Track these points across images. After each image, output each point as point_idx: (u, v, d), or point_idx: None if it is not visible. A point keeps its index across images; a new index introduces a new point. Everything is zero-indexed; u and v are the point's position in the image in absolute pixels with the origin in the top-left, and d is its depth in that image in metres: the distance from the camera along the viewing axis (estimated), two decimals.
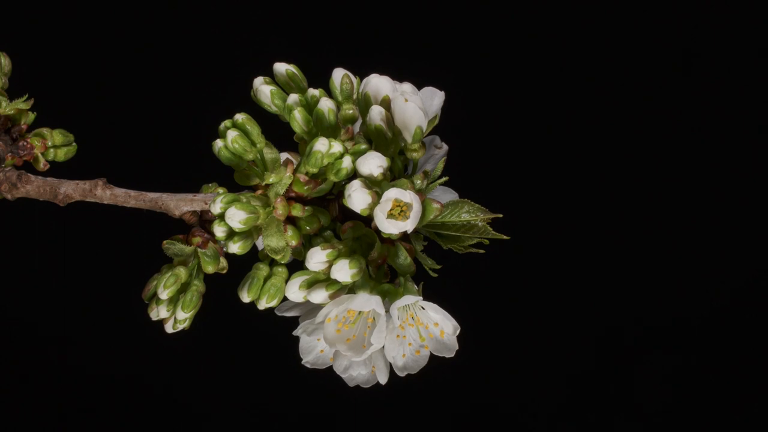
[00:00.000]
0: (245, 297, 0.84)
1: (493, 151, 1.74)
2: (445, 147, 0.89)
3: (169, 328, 0.84)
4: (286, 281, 0.84)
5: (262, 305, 0.84)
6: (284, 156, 0.88)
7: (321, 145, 0.82)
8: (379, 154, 0.83)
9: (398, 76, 0.86)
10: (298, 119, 0.85)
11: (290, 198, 0.85)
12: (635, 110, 1.80)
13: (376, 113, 0.83)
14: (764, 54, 1.80)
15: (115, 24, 1.74)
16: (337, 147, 0.83)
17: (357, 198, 0.81)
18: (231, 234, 0.83)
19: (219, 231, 0.83)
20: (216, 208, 0.82)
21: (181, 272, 0.83)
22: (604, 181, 1.79)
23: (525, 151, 1.79)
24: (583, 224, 1.78)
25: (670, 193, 1.79)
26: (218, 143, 0.83)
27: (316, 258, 0.82)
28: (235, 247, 0.83)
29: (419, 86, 0.85)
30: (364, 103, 0.86)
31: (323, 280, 0.83)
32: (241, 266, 0.85)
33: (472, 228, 0.83)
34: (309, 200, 0.86)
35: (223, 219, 0.82)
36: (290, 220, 0.84)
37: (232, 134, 0.83)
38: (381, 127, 0.84)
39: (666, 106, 1.81)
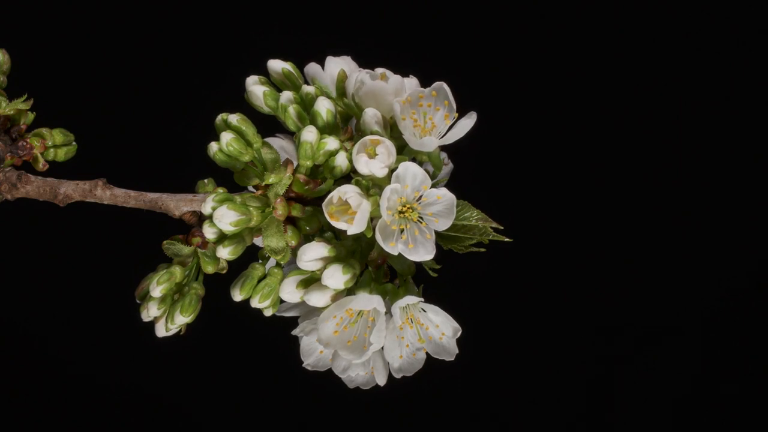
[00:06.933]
0: (237, 295, 0.82)
1: (492, 152, 1.74)
2: (450, 165, 0.88)
3: (161, 331, 0.82)
4: (281, 282, 0.81)
5: (254, 304, 0.81)
6: (276, 140, 0.87)
7: (308, 133, 0.80)
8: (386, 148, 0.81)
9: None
10: (292, 116, 0.83)
11: (290, 198, 0.83)
12: (635, 111, 1.80)
13: (371, 116, 0.82)
14: (764, 53, 1.80)
15: (115, 24, 1.74)
16: (332, 144, 0.81)
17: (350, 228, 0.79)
18: (222, 237, 0.80)
19: (209, 233, 0.80)
20: (207, 208, 0.79)
21: (176, 271, 0.81)
22: (604, 181, 1.79)
23: (524, 152, 1.79)
24: (583, 225, 1.78)
25: (670, 193, 1.79)
26: (213, 146, 0.81)
27: (309, 255, 0.80)
28: (225, 252, 0.80)
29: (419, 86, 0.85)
30: (356, 108, 0.84)
31: (320, 279, 0.80)
32: (243, 266, 0.84)
33: (472, 228, 0.83)
34: (309, 200, 0.85)
35: (212, 220, 0.79)
36: (290, 221, 0.83)
37: (226, 137, 0.81)
38: (378, 132, 0.83)
39: (666, 107, 1.81)
